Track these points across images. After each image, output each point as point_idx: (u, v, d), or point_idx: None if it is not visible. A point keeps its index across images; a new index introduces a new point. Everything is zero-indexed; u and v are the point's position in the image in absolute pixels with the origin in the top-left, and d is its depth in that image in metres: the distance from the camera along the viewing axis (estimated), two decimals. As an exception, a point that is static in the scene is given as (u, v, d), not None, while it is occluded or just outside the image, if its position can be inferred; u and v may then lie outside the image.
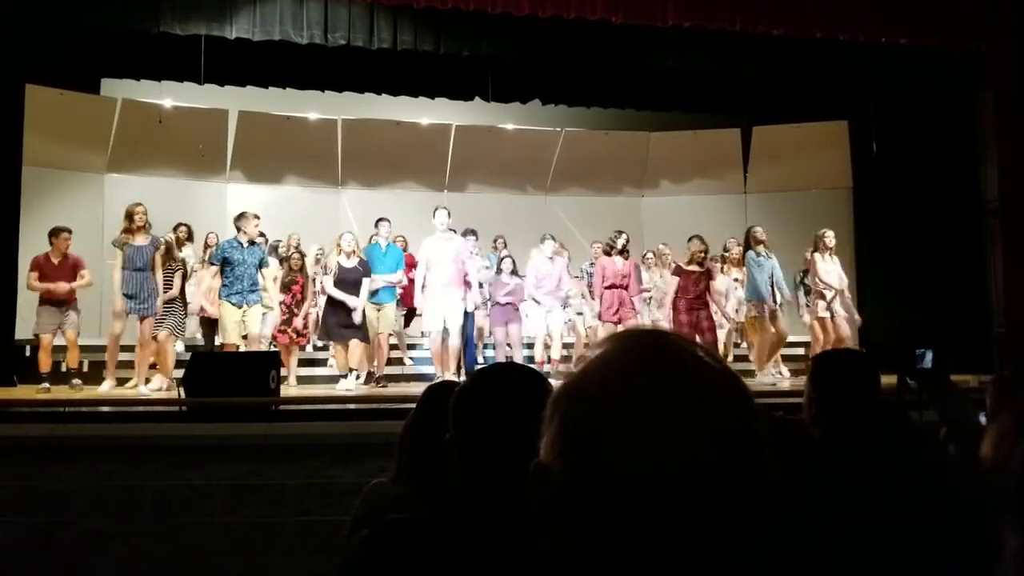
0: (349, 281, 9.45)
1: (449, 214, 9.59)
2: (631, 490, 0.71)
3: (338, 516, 2.94)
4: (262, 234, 9.51)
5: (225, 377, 6.91)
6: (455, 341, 9.39)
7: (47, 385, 8.82)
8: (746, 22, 10.50)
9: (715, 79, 12.46)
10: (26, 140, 10.60)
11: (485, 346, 11.23)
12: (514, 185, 14.34)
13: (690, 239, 9.96)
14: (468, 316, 9.93)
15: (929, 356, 2.69)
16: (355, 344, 9.47)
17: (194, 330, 10.57)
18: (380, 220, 10.33)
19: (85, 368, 9.28)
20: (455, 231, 10.01)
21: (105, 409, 7.30)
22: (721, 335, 10.35)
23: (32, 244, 10.66)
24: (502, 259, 10.56)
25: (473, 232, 10.45)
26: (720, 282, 10.37)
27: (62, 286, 8.92)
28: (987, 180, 11.60)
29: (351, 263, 9.51)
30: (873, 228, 12.89)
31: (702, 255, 9.80)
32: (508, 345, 9.96)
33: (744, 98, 13.30)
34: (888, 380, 2.74)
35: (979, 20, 10.66)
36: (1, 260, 10.13)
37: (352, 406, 7.70)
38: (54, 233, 9.12)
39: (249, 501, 5.87)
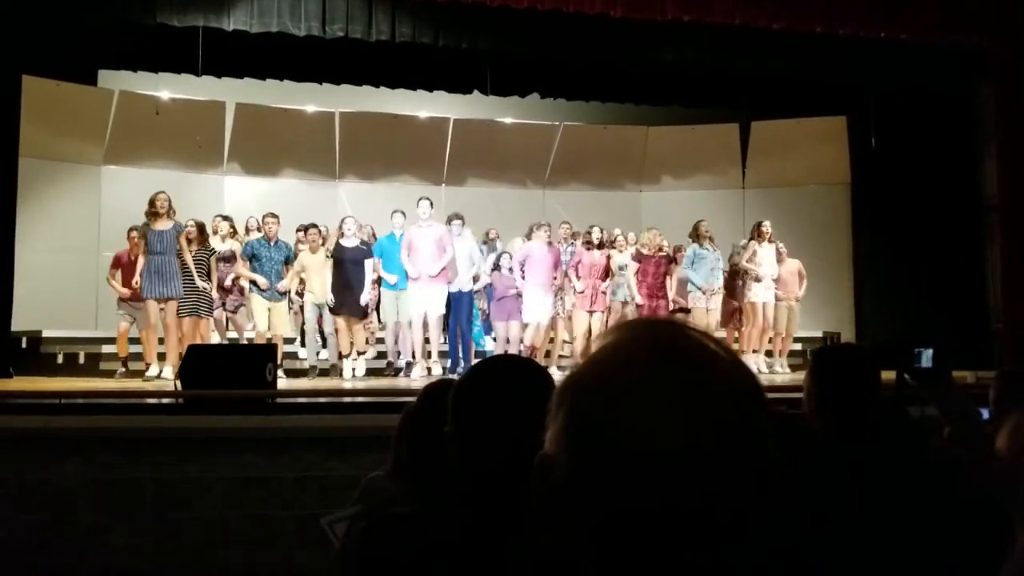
0: (349, 259, 9.69)
1: (432, 204, 9.89)
2: (636, 482, 0.71)
3: (335, 509, 2.94)
4: (314, 224, 10.12)
5: (222, 370, 6.91)
6: (436, 331, 9.73)
7: (124, 370, 9.24)
8: (745, 16, 10.47)
9: (714, 73, 12.43)
10: (23, 131, 10.55)
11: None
12: (512, 179, 14.31)
13: (646, 230, 10.67)
14: (459, 299, 10.00)
15: (929, 354, 2.67)
16: (357, 329, 9.85)
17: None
18: (395, 212, 10.49)
19: (82, 360, 9.27)
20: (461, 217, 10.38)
21: (102, 401, 7.27)
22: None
23: (29, 235, 10.66)
24: (501, 255, 10.55)
25: (459, 217, 10.41)
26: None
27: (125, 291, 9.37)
28: (987, 176, 11.58)
29: (352, 243, 9.82)
30: (872, 224, 12.89)
31: (660, 241, 10.46)
32: (507, 340, 10.05)
33: (743, 93, 13.28)
34: (888, 377, 2.73)
35: (979, 15, 10.64)
36: (-2, 252, 10.10)
37: (348, 399, 7.70)
38: (128, 232, 9.59)
39: (247, 494, 5.87)
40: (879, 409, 2.60)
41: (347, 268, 9.68)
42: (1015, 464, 1.23)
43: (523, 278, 10.00)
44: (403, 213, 10.39)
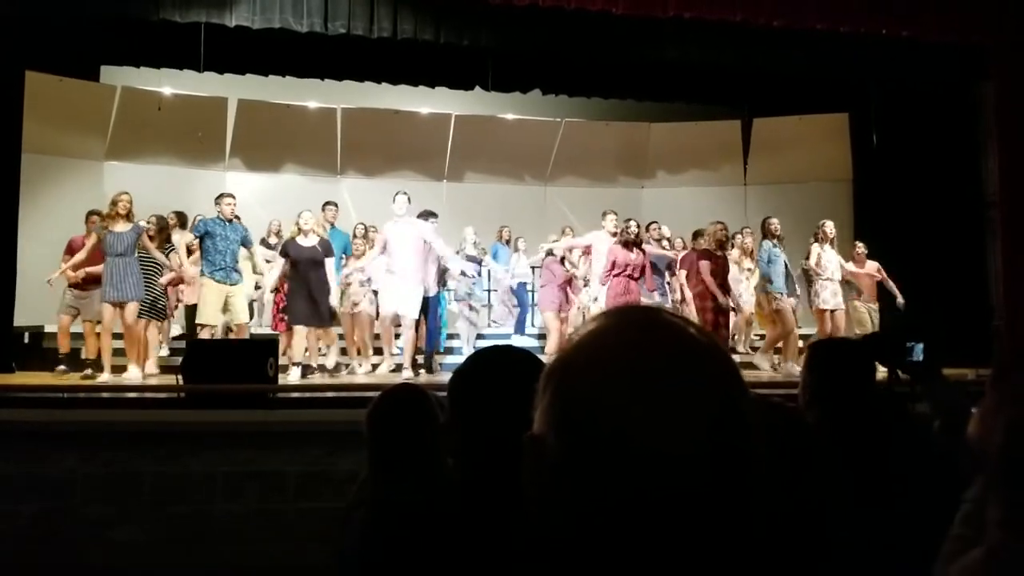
0: (304, 260, 9.08)
1: (409, 199, 9.43)
2: (620, 463, 0.73)
3: (337, 503, 2.95)
4: (237, 218, 9.41)
5: (223, 364, 6.92)
6: (409, 332, 9.19)
7: (64, 368, 8.87)
8: (747, 13, 10.47)
9: (716, 70, 12.41)
10: (25, 127, 10.58)
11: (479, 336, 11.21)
12: (513, 175, 14.34)
13: (710, 224, 9.84)
14: (432, 302, 9.77)
15: (919, 349, 2.70)
16: (321, 336, 9.31)
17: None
18: (327, 203, 10.32)
19: (83, 355, 9.23)
20: (430, 213, 9.94)
21: (104, 396, 7.30)
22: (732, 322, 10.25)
23: (31, 231, 10.68)
24: (553, 244, 10.41)
25: (433, 214, 9.93)
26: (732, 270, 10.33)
27: (70, 274, 9.04)
28: (988, 173, 11.57)
29: (309, 242, 9.14)
30: (873, 221, 12.86)
31: (724, 235, 9.71)
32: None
33: (745, 90, 13.28)
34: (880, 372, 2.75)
35: (980, 13, 10.64)
36: (1, 247, 10.11)
37: (350, 394, 7.71)
38: (87, 216, 9.37)
39: (248, 488, 5.89)
40: (874, 401, 2.62)
41: (305, 272, 9.02)
42: (984, 448, 1.26)
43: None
44: (335, 205, 10.26)
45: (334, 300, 9.15)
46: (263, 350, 7.33)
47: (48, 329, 10.32)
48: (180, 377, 6.84)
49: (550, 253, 10.47)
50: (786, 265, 9.81)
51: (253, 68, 12.38)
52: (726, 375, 0.78)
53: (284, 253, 9.22)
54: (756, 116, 13.98)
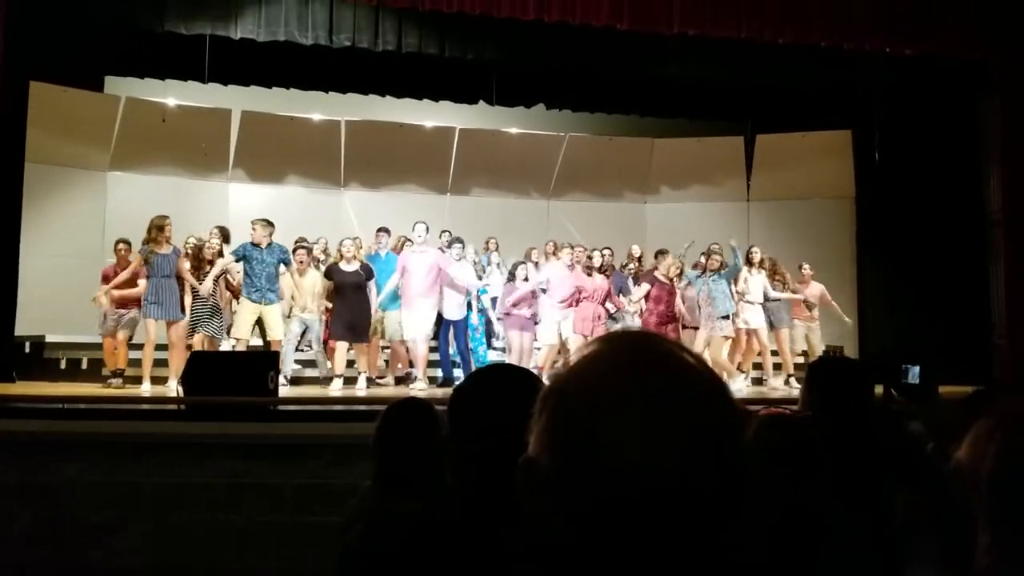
0: (348, 284, 9.64)
1: (427, 229, 10.00)
2: (614, 482, 0.74)
3: (336, 516, 2.96)
4: (304, 245, 10.09)
5: (224, 376, 6.92)
6: (422, 349, 9.71)
7: (120, 381, 9.00)
8: (751, 30, 10.51)
9: (719, 86, 12.47)
10: (29, 137, 10.61)
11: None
12: (517, 189, 14.34)
13: (659, 253, 10.45)
14: (449, 323, 10.07)
15: (915, 371, 2.72)
16: (357, 347, 9.77)
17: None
18: (380, 230, 10.60)
19: (85, 365, 9.25)
20: (456, 240, 10.41)
21: (105, 406, 7.30)
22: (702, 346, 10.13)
23: (34, 240, 10.69)
24: (516, 266, 10.43)
25: (459, 240, 10.44)
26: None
27: (124, 293, 9.28)
28: (991, 191, 11.58)
29: (351, 267, 9.71)
30: (875, 237, 12.88)
31: (678, 269, 10.19)
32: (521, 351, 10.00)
33: (748, 106, 13.32)
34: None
35: (984, 29, 10.67)
36: (3, 257, 10.12)
37: (350, 407, 7.71)
38: (115, 245, 9.59)
39: (248, 500, 5.89)
40: (873, 417, 2.63)
41: (348, 295, 9.64)
42: (976, 471, 1.26)
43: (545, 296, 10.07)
44: (388, 231, 10.72)
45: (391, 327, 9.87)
46: (263, 363, 7.34)
47: (49, 339, 10.33)
48: (181, 389, 6.84)
49: (511, 276, 10.40)
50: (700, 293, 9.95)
51: (257, 80, 12.45)
52: (717, 396, 0.80)
53: (328, 276, 9.84)
54: (759, 132, 14.00)
